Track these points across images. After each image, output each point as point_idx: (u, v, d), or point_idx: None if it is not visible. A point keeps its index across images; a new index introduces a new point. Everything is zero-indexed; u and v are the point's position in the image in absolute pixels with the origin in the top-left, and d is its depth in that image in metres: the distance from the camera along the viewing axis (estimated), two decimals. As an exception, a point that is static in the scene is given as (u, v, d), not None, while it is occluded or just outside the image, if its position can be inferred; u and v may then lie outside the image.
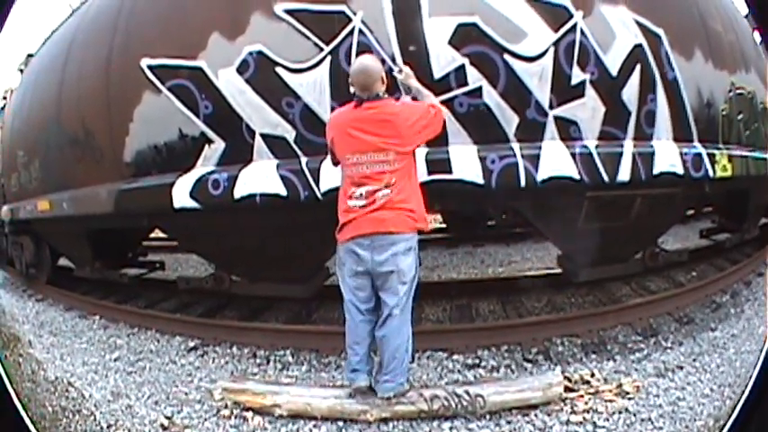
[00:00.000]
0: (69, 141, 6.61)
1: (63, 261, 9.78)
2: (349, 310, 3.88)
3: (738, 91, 6.50)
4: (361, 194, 3.65)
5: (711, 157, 5.66)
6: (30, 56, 10.07)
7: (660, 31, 5.28)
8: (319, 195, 4.69)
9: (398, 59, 4.57)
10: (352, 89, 3.75)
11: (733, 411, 2.43)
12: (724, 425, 2.50)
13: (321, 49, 4.69)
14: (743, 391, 2.45)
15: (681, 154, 5.35)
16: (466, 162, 4.62)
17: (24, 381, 4.85)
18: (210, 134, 5.08)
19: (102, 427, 3.94)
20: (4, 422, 2.50)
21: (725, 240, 8.55)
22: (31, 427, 2.55)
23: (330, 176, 4.50)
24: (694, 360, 4.51)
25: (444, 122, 4.05)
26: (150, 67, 5.31)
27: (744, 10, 7.21)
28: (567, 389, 3.97)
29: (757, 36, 7.16)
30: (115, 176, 5.90)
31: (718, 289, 6.43)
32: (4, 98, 12.00)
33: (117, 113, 5.76)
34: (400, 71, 4.25)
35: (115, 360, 5.50)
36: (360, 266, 3.72)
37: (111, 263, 8.48)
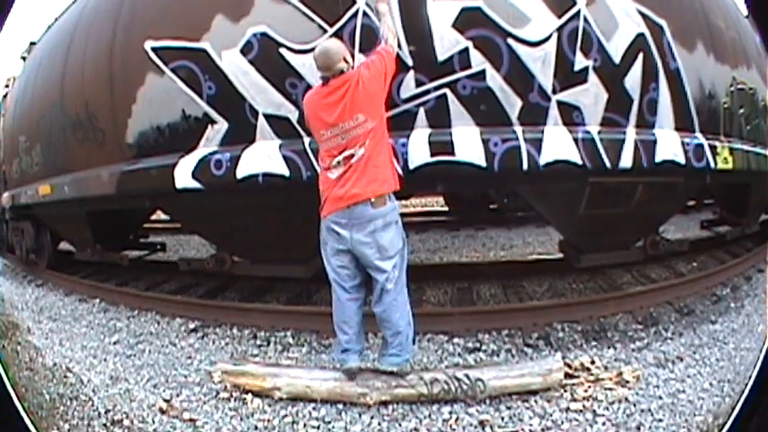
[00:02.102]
0: (72, 124, 6.61)
1: (63, 245, 9.79)
2: (335, 290, 3.93)
3: (740, 86, 6.51)
4: (338, 162, 3.73)
5: (713, 148, 5.66)
6: (32, 43, 10.07)
7: (663, 22, 5.28)
8: (322, 175, 4.68)
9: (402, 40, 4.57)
10: (318, 73, 3.91)
11: (733, 410, 2.42)
12: (724, 423, 2.50)
13: (325, 31, 4.67)
14: (743, 390, 2.44)
15: (683, 143, 5.36)
16: (469, 144, 4.61)
17: (22, 369, 4.82)
18: (213, 115, 5.06)
19: (99, 413, 3.92)
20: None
21: (726, 233, 8.56)
22: (28, 422, 2.51)
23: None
24: (694, 352, 4.51)
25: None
26: (154, 49, 5.29)
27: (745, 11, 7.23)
28: (567, 375, 3.97)
29: (758, 38, 7.15)
30: (117, 158, 5.89)
31: (718, 281, 6.43)
32: (7, 86, 12.00)
33: (120, 95, 5.75)
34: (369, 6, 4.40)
35: (114, 343, 5.50)
36: (340, 244, 3.78)
37: (111, 245, 8.50)
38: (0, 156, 10.36)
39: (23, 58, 10.70)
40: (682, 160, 5.31)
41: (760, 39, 6.33)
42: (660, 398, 3.72)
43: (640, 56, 5.12)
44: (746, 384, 2.44)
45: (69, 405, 4.06)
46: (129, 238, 9.37)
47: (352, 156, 3.67)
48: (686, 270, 7.10)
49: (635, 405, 3.64)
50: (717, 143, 5.77)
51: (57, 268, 9.21)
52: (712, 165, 5.62)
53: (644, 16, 5.17)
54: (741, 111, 6.51)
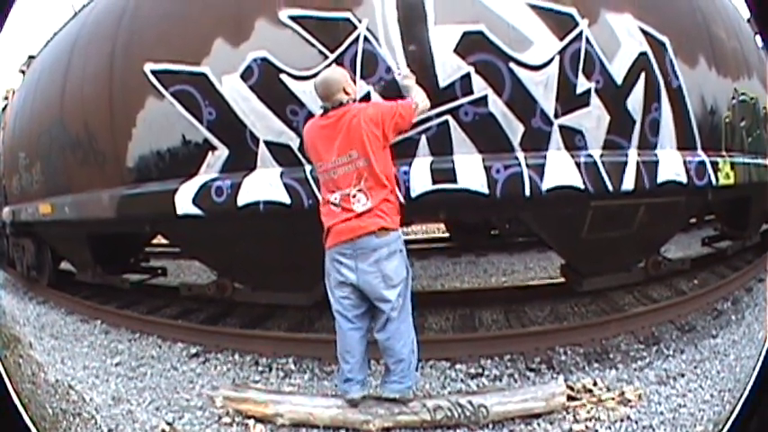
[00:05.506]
0: (71, 145, 6.56)
1: (65, 265, 9.75)
2: (338, 320, 3.92)
3: (741, 98, 6.49)
4: (336, 198, 3.73)
5: (714, 165, 5.63)
6: (31, 57, 10.07)
7: (665, 39, 5.26)
8: (323, 204, 4.65)
9: (402, 65, 4.53)
10: (319, 102, 3.92)
11: (732, 411, 2.45)
12: (723, 425, 2.52)
13: (326, 57, 4.63)
14: (743, 391, 2.46)
15: (684, 162, 5.34)
16: (471, 171, 4.59)
17: (24, 382, 4.84)
18: (214, 141, 5.03)
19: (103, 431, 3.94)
20: (3, 421, 2.49)
21: (726, 248, 8.54)
22: (31, 426, 2.55)
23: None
24: (695, 367, 4.52)
25: (410, 117, 3.99)
26: (154, 72, 5.25)
27: (746, 14, 7.21)
28: (569, 398, 3.97)
29: (759, 40, 7.14)
30: (117, 181, 5.85)
31: (719, 296, 6.42)
32: (6, 98, 12.00)
33: (120, 118, 5.70)
34: (400, 73, 4.37)
35: (116, 365, 5.50)
36: (343, 276, 3.76)
37: (112, 268, 8.47)
38: (0, 170, 10.33)
39: (22, 72, 10.70)
40: (684, 179, 5.30)
41: (762, 41, 6.34)
42: (662, 413, 3.75)
43: (642, 75, 5.12)
44: (746, 385, 2.46)
45: (72, 421, 4.09)
46: (129, 261, 9.30)
47: (349, 195, 3.68)
48: (687, 288, 7.09)
49: (637, 422, 3.66)
50: (718, 159, 5.75)
51: (58, 287, 9.18)
52: (714, 182, 5.60)
53: (646, 34, 5.15)
54: (743, 123, 6.50)
